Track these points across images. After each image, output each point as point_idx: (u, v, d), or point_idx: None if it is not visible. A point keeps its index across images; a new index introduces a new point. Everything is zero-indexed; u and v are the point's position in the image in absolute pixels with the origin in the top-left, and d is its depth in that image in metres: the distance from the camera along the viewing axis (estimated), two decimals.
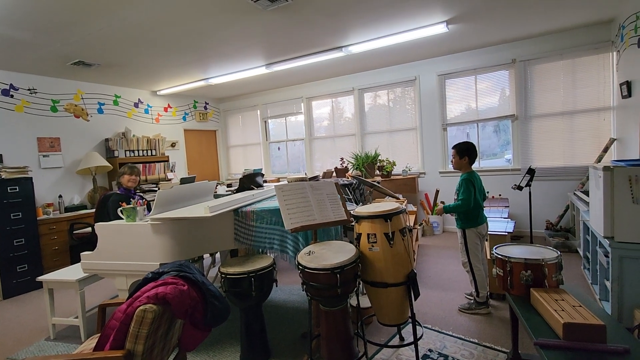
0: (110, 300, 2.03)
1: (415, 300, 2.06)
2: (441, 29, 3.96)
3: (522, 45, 4.90)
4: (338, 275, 1.84)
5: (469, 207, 2.74)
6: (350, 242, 3.20)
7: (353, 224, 2.26)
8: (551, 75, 4.80)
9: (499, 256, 2.05)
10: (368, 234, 2.04)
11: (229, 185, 7.18)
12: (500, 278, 2.06)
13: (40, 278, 2.90)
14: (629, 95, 3.80)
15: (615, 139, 4.35)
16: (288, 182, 3.17)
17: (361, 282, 2.11)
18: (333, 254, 2.00)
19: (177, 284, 1.65)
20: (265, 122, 7.49)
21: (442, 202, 5.48)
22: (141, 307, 1.48)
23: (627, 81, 3.79)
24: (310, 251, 2.06)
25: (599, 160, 4.39)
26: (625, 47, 3.88)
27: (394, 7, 3.41)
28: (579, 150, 4.70)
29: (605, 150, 4.38)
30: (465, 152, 2.86)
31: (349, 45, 4.47)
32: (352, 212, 2.20)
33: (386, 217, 2.01)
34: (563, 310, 1.59)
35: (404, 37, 4.17)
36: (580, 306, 1.61)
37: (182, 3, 3.01)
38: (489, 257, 3.06)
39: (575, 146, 4.72)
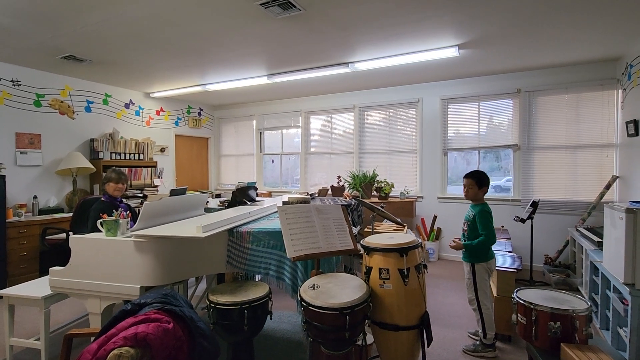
0: (78, 330, 1.74)
1: (428, 346, 1.84)
2: (452, 52, 3.87)
3: (528, 75, 4.87)
4: (347, 317, 1.61)
5: (493, 242, 2.55)
6: (346, 266, 2.99)
7: (360, 253, 2.06)
8: (555, 107, 4.76)
9: (522, 302, 1.86)
10: (380, 269, 1.83)
11: (217, 196, 6.90)
12: (522, 326, 1.86)
13: (0, 292, 2.56)
14: (636, 134, 3.76)
15: (618, 177, 4.30)
16: (289, 199, 2.95)
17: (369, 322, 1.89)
18: (340, 289, 1.77)
19: (161, 321, 1.39)
20: (260, 133, 7.28)
21: (439, 228, 5.37)
22: (115, 351, 1.22)
23: (635, 120, 3.75)
24: (314, 284, 1.83)
25: (601, 197, 4.32)
26: (633, 86, 3.86)
27: (408, 26, 3.31)
28: (581, 185, 4.63)
29: (608, 187, 4.32)
30: (485, 182, 2.68)
31: (356, 62, 4.34)
32: (362, 242, 1.99)
33: (402, 251, 1.81)
34: None
35: (414, 57, 4.07)
36: None
37: (188, 3, 2.83)
38: (495, 294, 2.88)
39: (577, 181, 4.65)
